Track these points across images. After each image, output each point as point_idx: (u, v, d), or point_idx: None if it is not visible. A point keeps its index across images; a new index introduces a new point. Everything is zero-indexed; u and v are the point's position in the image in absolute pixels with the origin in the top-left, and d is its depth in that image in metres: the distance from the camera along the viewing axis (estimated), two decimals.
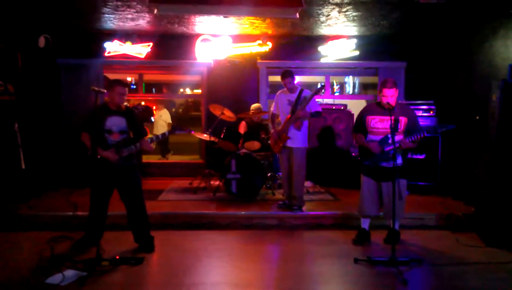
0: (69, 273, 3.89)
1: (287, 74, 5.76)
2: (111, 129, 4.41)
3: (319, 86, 5.69)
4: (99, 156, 4.31)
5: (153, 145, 4.59)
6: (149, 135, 4.80)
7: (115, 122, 4.42)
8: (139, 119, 4.69)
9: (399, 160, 4.64)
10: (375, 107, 4.74)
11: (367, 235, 4.99)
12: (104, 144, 4.38)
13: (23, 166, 6.36)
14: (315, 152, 7.51)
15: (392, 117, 4.32)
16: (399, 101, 4.74)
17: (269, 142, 6.49)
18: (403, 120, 4.59)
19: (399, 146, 4.48)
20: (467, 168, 6.20)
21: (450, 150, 6.88)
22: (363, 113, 4.82)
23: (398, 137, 4.50)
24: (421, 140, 4.49)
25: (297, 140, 5.71)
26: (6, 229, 5.34)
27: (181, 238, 5.15)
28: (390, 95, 4.52)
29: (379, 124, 4.63)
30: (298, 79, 10.49)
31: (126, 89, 4.48)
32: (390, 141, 4.39)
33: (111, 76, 8.83)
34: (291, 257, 4.61)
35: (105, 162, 4.35)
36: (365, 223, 5.01)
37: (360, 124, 4.81)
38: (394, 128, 4.41)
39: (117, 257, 4.21)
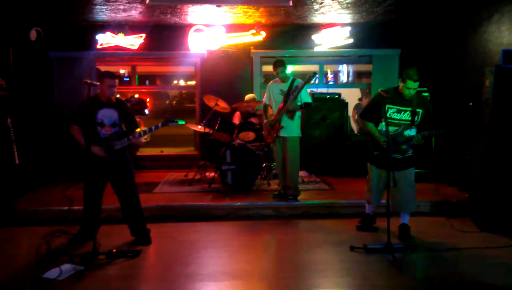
0: (66, 267, 3.89)
1: (279, 64, 5.74)
2: (102, 122, 4.39)
3: (312, 74, 5.63)
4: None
5: (143, 139, 4.55)
6: (143, 128, 4.78)
7: (106, 115, 4.39)
8: (131, 111, 4.66)
9: (410, 152, 4.60)
10: (394, 96, 4.48)
11: (371, 219, 4.98)
12: (96, 137, 4.36)
13: (17, 161, 6.33)
14: (310, 142, 7.52)
15: (409, 109, 4.36)
16: (418, 91, 4.57)
17: (262, 132, 6.49)
18: (420, 112, 4.49)
19: (412, 141, 4.45)
20: (461, 154, 6.23)
21: (443, 137, 6.88)
22: (381, 101, 4.44)
23: (412, 132, 4.48)
24: (429, 138, 4.45)
25: (290, 129, 5.71)
26: (2, 224, 5.33)
27: (177, 230, 5.16)
28: (414, 88, 4.38)
29: (396, 114, 4.50)
30: (292, 68, 10.48)
31: (116, 81, 4.43)
32: (404, 134, 4.40)
33: (104, 68, 8.76)
34: (287, 247, 4.64)
35: (97, 155, 4.33)
36: (368, 209, 5.02)
37: (374, 111, 4.61)
38: (411, 121, 4.40)
39: (114, 250, 4.21)
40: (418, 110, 4.47)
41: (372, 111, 4.66)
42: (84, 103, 4.33)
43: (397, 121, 4.51)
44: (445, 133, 4.35)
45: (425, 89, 7.14)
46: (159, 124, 4.48)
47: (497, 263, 4.09)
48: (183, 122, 4.63)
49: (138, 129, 4.59)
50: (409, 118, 4.45)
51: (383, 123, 4.48)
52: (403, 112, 4.50)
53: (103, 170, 4.41)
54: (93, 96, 4.49)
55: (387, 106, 4.48)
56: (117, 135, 4.42)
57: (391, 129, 4.40)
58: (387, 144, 4.22)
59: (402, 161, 4.53)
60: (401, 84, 4.47)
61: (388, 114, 4.48)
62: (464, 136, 5.61)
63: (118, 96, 4.65)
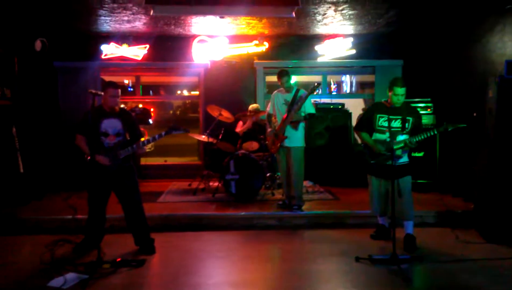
0: (71, 276, 3.88)
1: (283, 74, 5.76)
2: (106, 132, 4.40)
3: (315, 84, 5.65)
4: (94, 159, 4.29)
5: (146, 148, 4.57)
6: (147, 137, 4.79)
7: (110, 125, 4.41)
8: (135, 120, 4.68)
9: (405, 158, 4.67)
10: (383, 106, 4.72)
11: (385, 231, 4.96)
12: (100, 146, 4.38)
13: (22, 170, 6.35)
14: (314, 151, 7.51)
15: (399, 117, 4.39)
16: (404, 100, 4.72)
17: (266, 142, 6.49)
18: (410, 120, 4.59)
19: (405, 146, 4.50)
20: (466, 165, 6.22)
21: (448, 147, 6.89)
22: (371, 111, 4.81)
23: (403, 137, 4.53)
24: (423, 140, 4.49)
25: (294, 139, 5.71)
26: (7, 233, 5.33)
27: (181, 239, 5.15)
28: (401, 94, 4.55)
29: (387, 122, 4.59)
30: (295, 78, 10.49)
31: (119, 90, 4.45)
32: (395, 141, 4.42)
33: (108, 78, 8.82)
34: (292, 257, 4.61)
35: (101, 165, 4.34)
36: (382, 220, 5.02)
37: (366, 122, 4.80)
38: (402, 128, 4.46)
39: (118, 259, 4.20)
40: (408, 118, 4.58)
41: (365, 121, 4.84)
42: (88, 113, 4.35)
43: (387, 129, 4.58)
44: (434, 134, 4.44)
45: (429, 99, 7.18)
46: (163, 133, 4.48)
47: (503, 274, 4.05)
48: (187, 131, 4.64)
49: (143, 139, 4.61)
50: (400, 125, 4.54)
51: (376, 134, 4.71)
52: (393, 120, 4.59)
53: (107, 179, 4.42)
54: (97, 106, 4.53)
55: (377, 115, 4.69)
56: (121, 144, 4.44)
57: (383, 136, 4.60)
58: (389, 151, 4.39)
59: (397, 169, 4.52)
60: (389, 94, 4.64)
61: (379, 123, 4.68)
62: (469, 146, 5.61)
63: (122, 106, 4.68)
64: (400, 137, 4.55)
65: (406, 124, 4.54)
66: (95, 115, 4.40)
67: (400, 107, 4.61)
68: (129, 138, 4.55)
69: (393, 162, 4.27)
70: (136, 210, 4.61)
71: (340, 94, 11.39)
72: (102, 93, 4.42)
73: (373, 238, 5.01)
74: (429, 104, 7.11)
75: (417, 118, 4.68)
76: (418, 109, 5.18)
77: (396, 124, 4.59)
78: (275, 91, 6.00)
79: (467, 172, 6.08)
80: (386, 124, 4.61)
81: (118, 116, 4.47)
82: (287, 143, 5.73)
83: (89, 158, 4.34)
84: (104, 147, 4.39)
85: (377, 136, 4.71)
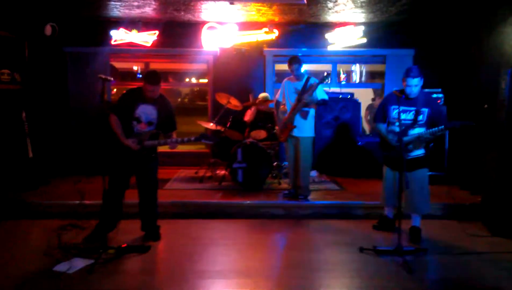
0: (76, 261, 3.93)
1: (294, 61, 5.66)
2: (140, 118, 4.30)
3: (325, 74, 5.57)
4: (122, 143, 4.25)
5: (176, 146, 4.41)
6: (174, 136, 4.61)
7: (145, 111, 4.30)
8: (172, 111, 4.53)
9: (421, 151, 4.54)
10: (397, 97, 4.48)
11: (389, 223, 4.92)
12: (130, 131, 4.31)
13: (31, 155, 6.41)
14: (321, 141, 7.49)
15: (413, 109, 4.31)
16: (424, 91, 4.58)
17: (274, 131, 6.46)
18: (426, 111, 4.44)
19: (418, 139, 4.40)
20: (475, 157, 6.15)
21: (457, 139, 6.82)
22: (385, 103, 4.66)
23: (419, 130, 4.43)
24: (442, 133, 4.30)
25: (303, 129, 5.67)
26: (15, 217, 5.40)
27: (187, 226, 5.18)
28: (414, 85, 4.37)
29: (401, 114, 4.46)
30: (304, 67, 10.42)
31: (155, 86, 4.23)
32: (408, 133, 4.37)
33: (118, 64, 8.84)
34: (297, 246, 4.63)
35: (127, 149, 4.27)
36: (388, 211, 4.96)
37: (382, 114, 4.69)
38: (414, 121, 4.36)
39: (124, 245, 4.23)
40: (423, 109, 4.44)
41: (380, 113, 4.73)
42: (127, 94, 4.28)
43: (403, 121, 4.47)
44: (454, 127, 4.16)
45: (440, 90, 7.08)
46: (192, 138, 4.34)
47: (508, 268, 4.04)
48: (217, 140, 4.57)
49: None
50: (413, 118, 4.43)
51: (391, 126, 4.59)
52: (407, 112, 4.48)
53: (131, 163, 4.36)
54: (138, 88, 4.37)
55: (392, 106, 4.55)
56: (151, 134, 4.35)
57: (398, 129, 4.41)
58: (398, 142, 4.29)
59: (411, 162, 4.47)
60: (403, 85, 4.48)
61: (393, 114, 4.54)
62: (478, 139, 5.53)
63: (164, 96, 4.49)
64: (414, 130, 4.44)
65: (420, 116, 4.42)
66: (133, 97, 4.31)
67: (415, 98, 4.44)
68: (159, 128, 4.42)
69: (403, 154, 4.19)
70: (151, 198, 4.61)
71: (349, 84, 11.28)
72: (112, 79, 4.36)
73: (376, 229, 5.00)
74: (440, 95, 7.01)
75: (435, 110, 4.48)
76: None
77: (410, 116, 4.47)
78: (286, 79, 5.92)
79: (475, 165, 6.02)
80: (400, 116, 4.46)
81: (155, 104, 4.33)
82: (296, 132, 5.68)
83: (119, 140, 4.25)
84: (133, 133, 4.32)
85: (392, 128, 4.59)
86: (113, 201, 4.42)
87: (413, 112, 4.45)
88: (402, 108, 4.46)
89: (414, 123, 4.41)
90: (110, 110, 4.38)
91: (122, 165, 4.38)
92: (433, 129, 4.28)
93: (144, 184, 4.57)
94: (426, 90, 6.89)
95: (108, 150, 4.37)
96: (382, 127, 4.69)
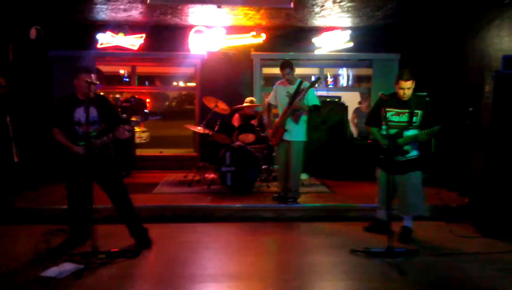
0: (66, 266, 3.86)
1: (286, 65, 5.64)
2: (80, 121, 4.22)
3: (313, 78, 5.59)
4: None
5: (127, 133, 4.17)
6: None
7: (83, 113, 4.18)
8: (112, 106, 4.47)
9: (414, 153, 4.58)
10: (392, 100, 4.56)
11: (381, 225, 4.84)
12: (75, 136, 4.22)
13: (16, 159, 6.30)
14: (310, 144, 7.50)
15: (407, 111, 4.37)
16: (416, 93, 4.64)
17: (264, 133, 6.46)
18: (419, 113, 4.49)
19: (415, 140, 4.44)
20: (461, 159, 6.23)
21: (443, 141, 6.90)
22: (378, 105, 4.65)
23: (413, 131, 4.46)
24: (436, 133, 4.35)
25: (295, 133, 5.66)
26: (1, 222, 5.29)
27: (176, 231, 5.14)
28: (407, 88, 4.43)
29: (395, 117, 4.51)
30: None
31: (92, 76, 4.15)
32: (403, 135, 4.39)
33: (104, 68, 8.76)
34: (287, 249, 4.62)
35: (77, 155, 4.19)
36: (380, 213, 4.93)
37: (375, 117, 4.69)
38: (408, 123, 4.41)
39: (114, 250, 4.17)
40: (416, 111, 4.49)
41: (374, 116, 4.73)
42: (60, 102, 4.21)
43: (395, 124, 4.51)
44: (450, 126, 4.27)
45: (425, 94, 7.12)
46: (139, 118, 4.31)
47: (499, 268, 4.07)
48: (163, 116, 4.56)
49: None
50: (407, 120, 4.47)
51: (384, 127, 4.53)
52: (401, 115, 4.52)
53: (85, 169, 4.18)
54: (69, 95, 4.31)
55: (385, 109, 4.55)
56: (98, 132, 4.25)
57: (391, 131, 4.43)
58: (388, 146, 4.32)
59: (405, 164, 4.51)
60: (396, 88, 4.53)
61: (387, 117, 4.53)
62: (465, 139, 5.60)
63: (102, 93, 4.47)
64: (408, 132, 4.47)
65: (414, 118, 4.47)
66: (67, 104, 4.24)
67: (408, 100, 4.49)
68: (106, 126, 4.32)
69: (394, 155, 4.27)
70: (121, 200, 4.46)
71: (336, 88, 11.36)
72: (98, 82, 4.30)
73: (366, 230, 5.00)
74: (426, 99, 7.08)
75: (428, 111, 4.54)
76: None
77: (404, 118, 4.51)
78: (278, 83, 5.89)
79: (462, 166, 6.09)
80: (393, 118, 4.52)
81: (92, 103, 4.21)
82: (287, 136, 5.66)
83: (72, 150, 4.20)
84: (79, 136, 4.22)
85: (387, 130, 4.52)
86: (75, 208, 4.35)
87: (406, 114, 4.49)
88: (396, 110, 4.51)
89: (409, 125, 4.46)
90: (50, 124, 4.28)
91: (75, 171, 4.27)
92: (430, 129, 4.33)
93: (110, 189, 4.43)
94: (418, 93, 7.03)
95: (61, 159, 4.31)
96: (376, 130, 4.70)
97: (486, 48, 6.36)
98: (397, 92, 4.51)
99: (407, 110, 4.48)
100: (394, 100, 4.53)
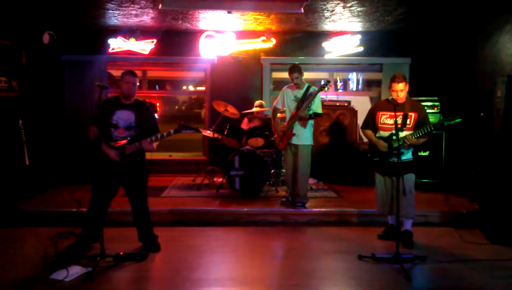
0: (74, 268, 3.90)
1: (295, 69, 5.66)
2: (117, 124, 4.27)
3: (322, 82, 5.60)
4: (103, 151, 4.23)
5: (155, 145, 4.33)
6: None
7: (122, 116, 4.27)
8: (151, 114, 4.48)
9: (408, 155, 4.65)
10: (385, 103, 4.71)
11: (394, 231, 4.80)
12: (109, 139, 4.27)
13: (27, 162, 6.37)
14: (319, 149, 7.49)
15: (401, 113, 4.43)
16: (409, 97, 4.76)
17: (272, 138, 6.47)
18: (412, 116, 4.59)
19: (405, 143, 4.48)
20: (472, 165, 6.16)
21: (454, 147, 6.84)
22: (373, 109, 4.85)
23: (406, 133, 4.54)
24: (428, 136, 4.49)
25: (302, 137, 5.67)
26: (11, 224, 5.35)
27: (184, 234, 5.16)
28: (400, 90, 4.54)
29: (389, 120, 4.64)
30: None
31: (136, 78, 4.33)
32: (394, 137, 4.41)
33: (115, 72, 8.84)
34: (295, 254, 4.61)
35: (108, 157, 4.25)
36: (390, 219, 4.95)
37: (370, 121, 4.83)
38: (402, 124, 4.47)
39: (121, 253, 4.20)
40: (410, 113, 4.60)
41: (368, 120, 4.88)
42: (104, 103, 4.27)
43: (390, 126, 4.62)
44: (430, 131, 4.41)
45: (436, 98, 7.11)
46: (171, 131, 4.32)
47: (508, 275, 4.03)
48: (197, 130, 4.54)
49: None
50: (400, 122, 4.53)
51: (380, 131, 4.74)
52: (395, 117, 4.54)
53: (114, 172, 4.30)
54: (114, 97, 4.41)
55: (379, 113, 4.73)
56: (131, 138, 4.29)
57: (386, 134, 4.64)
58: (388, 148, 4.55)
59: (398, 167, 4.50)
60: (390, 92, 4.66)
61: (381, 120, 4.70)
62: (475, 146, 5.56)
63: (143, 100, 4.56)
64: (402, 134, 4.54)
65: (408, 120, 4.57)
66: (109, 105, 4.32)
67: (402, 103, 4.60)
68: (140, 133, 4.34)
69: (390, 157, 4.38)
70: (140, 207, 4.52)
71: (346, 92, 11.31)
72: (109, 86, 4.36)
73: (381, 238, 4.95)
74: (436, 103, 7.04)
75: (422, 114, 4.62)
76: (424, 106, 5.11)
77: (398, 120, 4.52)
78: (286, 87, 5.91)
79: (472, 172, 6.03)
80: (388, 121, 4.64)
81: (132, 108, 4.31)
82: (295, 140, 5.69)
83: (95, 149, 4.22)
84: (113, 139, 4.27)
85: (380, 133, 4.73)
86: (96, 210, 4.36)
87: (400, 116, 4.55)
88: (390, 113, 4.60)
89: (402, 126, 4.54)
90: (90, 121, 4.30)
91: (104, 173, 4.30)
92: (420, 130, 4.42)
93: (132, 194, 4.50)
94: (422, 98, 7.00)
95: (92, 159, 4.33)
96: (371, 133, 4.81)
97: (497, 53, 6.29)
98: (392, 95, 4.63)
99: (400, 113, 4.56)
100: (389, 104, 4.59)
